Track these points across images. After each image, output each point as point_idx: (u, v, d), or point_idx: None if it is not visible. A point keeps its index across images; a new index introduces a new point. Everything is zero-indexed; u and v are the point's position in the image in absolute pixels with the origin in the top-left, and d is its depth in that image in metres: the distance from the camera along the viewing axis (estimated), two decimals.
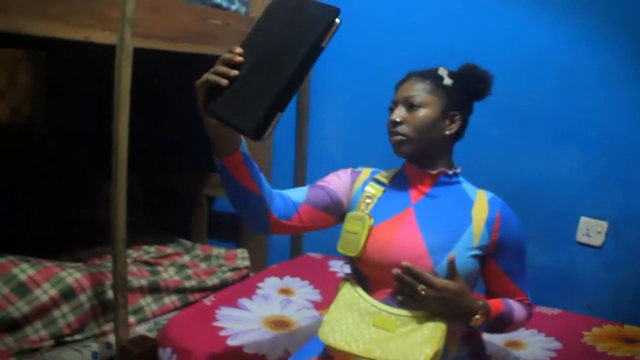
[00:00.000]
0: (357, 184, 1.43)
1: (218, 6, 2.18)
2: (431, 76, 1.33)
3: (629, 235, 1.96)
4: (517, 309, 1.33)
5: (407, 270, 1.20)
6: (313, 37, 0.94)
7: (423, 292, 1.19)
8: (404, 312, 1.23)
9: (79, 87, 2.78)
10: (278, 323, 1.85)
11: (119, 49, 1.56)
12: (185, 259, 2.57)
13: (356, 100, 2.45)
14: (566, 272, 2.06)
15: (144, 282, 2.17)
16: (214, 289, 2.37)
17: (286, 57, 0.95)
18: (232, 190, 1.21)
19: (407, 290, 1.21)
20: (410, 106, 1.29)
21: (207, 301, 1.95)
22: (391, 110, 1.35)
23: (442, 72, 1.34)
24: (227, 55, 1.01)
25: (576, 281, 2.04)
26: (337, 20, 0.95)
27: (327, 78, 2.50)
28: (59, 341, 1.91)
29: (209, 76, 1.02)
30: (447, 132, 1.32)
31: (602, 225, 1.99)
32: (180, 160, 2.99)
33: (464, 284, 1.21)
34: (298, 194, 1.36)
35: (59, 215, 2.83)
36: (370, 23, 2.39)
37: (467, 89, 1.34)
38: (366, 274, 1.32)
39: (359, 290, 1.30)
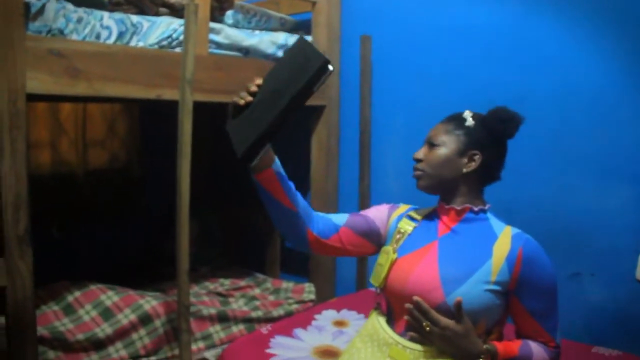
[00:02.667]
0: (392, 218, 1.50)
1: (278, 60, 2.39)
2: (456, 118, 1.40)
3: None
4: (537, 353, 1.30)
5: (417, 305, 1.26)
6: (304, 80, 1.10)
7: (428, 328, 1.24)
8: (418, 347, 1.28)
9: (169, 136, 3.13)
10: (327, 352, 1.95)
11: (180, 105, 1.80)
12: (256, 291, 2.76)
13: (412, 139, 2.54)
14: (626, 311, 1.97)
15: (213, 311, 2.37)
16: (279, 319, 2.52)
17: (281, 95, 1.12)
18: (268, 205, 1.34)
19: (415, 324, 1.27)
20: (431, 145, 1.38)
21: (264, 330, 2.10)
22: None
23: (467, 114, 1.39)
24: (248, 84, 1.23)
25: (636, 321, 1.94)
26: (330, 68, 1.10)
27: (388, 118, 2.64)
28: None
29: (233, 98, 1.24)
30: (465, 170, 1.37)
31: None
32: (256, 199, 3.21)
33: (469, 326, 1.24)
34: (339, 217, 1.46)
35: (150, 251, 3.15)
36: (427, 64, 2.49)
37: (489, 128, 1.38)
38: (390, 304, 1.39)
39: (381, 321, 1.37)
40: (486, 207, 1.40)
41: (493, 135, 1.39)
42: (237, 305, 2.54)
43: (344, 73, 2.67)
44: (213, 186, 3.16)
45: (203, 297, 2.53)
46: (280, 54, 2.38)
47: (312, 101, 2.51)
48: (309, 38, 2.57)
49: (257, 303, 2.57)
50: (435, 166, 1.36)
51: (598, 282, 2.03)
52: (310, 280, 2.83)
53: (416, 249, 1.39)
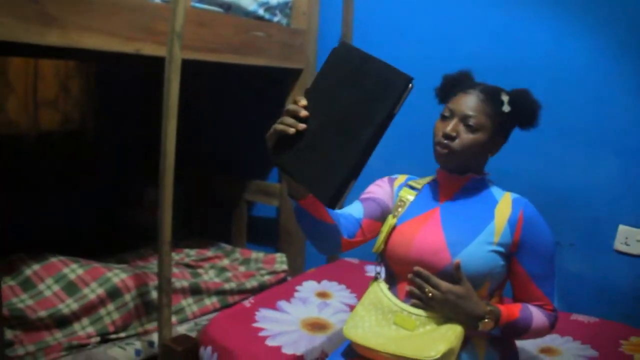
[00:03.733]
0: (395, 188, 1.50)
1: (260, 18, 2.24)
2: (494, 99, 1.33)
3: None
4: (537, 316, 1.32)
5: (417, 273, 1.27)
6: (389, 107, 0.94)
7: (430, 294, 1.24)
8: (424, 313, 1.27)
9: (127, 96, 2.91)
10: (315, 325, 1.89)
11: (168, 61, 1.64)
12: (225, 262, 2.65)
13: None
14: (604, 280, 2.04)
15: (185, 283, 2.25)
16: (253, 291, 2.44)
17: (361, 124, 0.95)
18: (309, 226, 1.27)
19: (417, 293, 1.27)
20: (467, 125, 1.30)
21: (247, 303, 2.01)
22: (444, 118, 1.35)
23: (505, 97, 1.33)
24: (293, 107, 1.05)
25: (614, 290, 2.02)
26: (410, 86, 0.94)
27: None
28: (104, 338, 2.00)
29: (277, 126, 1.05)
30: (490, 155, 1.38)
31: None
32: (220, 166, 3.07)
33: (470, 288, 1.24)
34: (356, 210, 1.41)
35: (106, 218, 2.95)
36: (412, 28, 2.42)
37: (520, 118, 1.35)
38: (393, 270, 1.39)
39: (384, 289, 1.37)
40: (487, 175, 1.41)
41: (518, 123, 1.37)
42: (209, 276, 2.43)
43: (323, 35, 2.55)
44: (175, 151, 2.97)
45: (173, 269, 2.39)
46: (261, 12, 2.23)
47: (287, 64, 2.43)
48: None
49: (229, 274, 2.47)
50: (469, 149, 1.31)
51: (577, 252, 2.08)
52: (279, 251, 2.76)
53: (418, 214, 1.39)
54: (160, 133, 1.68)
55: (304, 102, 1.05)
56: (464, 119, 1.31)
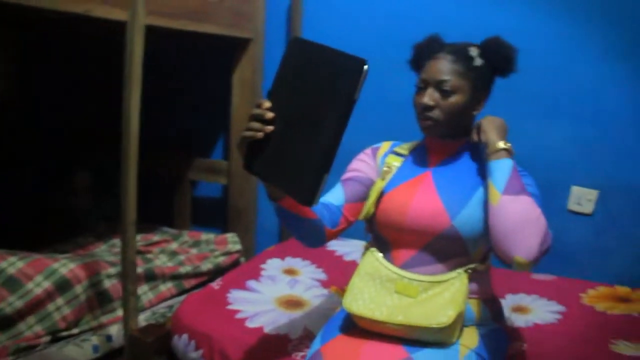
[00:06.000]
0: (378, 158, 1.45)
1: None
2: (462, 57, 1.30)
3: (617, 203, 2.06)
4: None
5: None
6: (347, 95, 0.91)
7: None
8: (425, 278, 1.25)
9: (56, 70, 2.62)
10: (291, 302, 1.83)
11: (130, 23, 1.48)
12: (174, 245, 2.50)
13: None
14: (559, 239, 2.13)
15: (140, 269, 2.09)
16: (209, 274, 2.33)
17: (323, 117, 0.93)
18: (293, 225, 1.24)
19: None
20: (443, 91, 1.28)
21: (215, 285, 1.90)
22: (419, 89, 1.32)
23: (473, 51, 1.31)
24: (257, 111, 1.02)
25: (568, 248, 2.13)
26: (365, 68, 0.91)
27: None
28: (56, 336, 1.82)
29: (244, 133, 1.03)
30: (475, 112, 1.35)
31: (592, 194, 2.09)
32: (161, 143, 2.88)
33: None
34: (337, 197, 1.36)
35: (35, 205, 2.67)
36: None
37: (495, 67, 1.33)
38: (387, 237, 1.34)
39: (380, 258, 1.32)
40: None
41: (497, 73, 1.36)
42: (161, 261, 2.27)
43: (270, 3, 2.44)
44: (109, 128, 2.73)
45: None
46: None
47: (237, 32, 2.30)
48: None
49: (182, 258, 2.32)
50: (451, 115, 1.30)
51: None
52: (226, 231, 2.64)
53: (408, 179, 1.36)
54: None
55: (267, 104, 1.02)
56: (437, 85, 1.28)
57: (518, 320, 1.74)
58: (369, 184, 1.39)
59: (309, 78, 0.97)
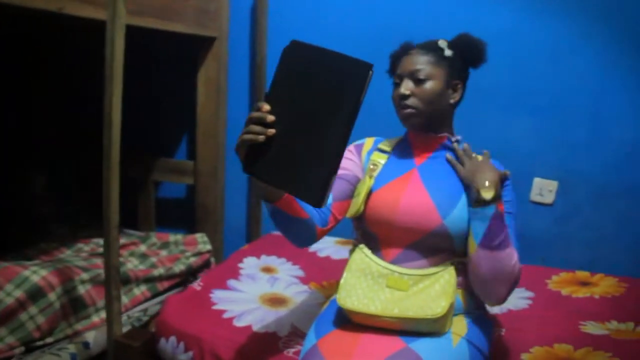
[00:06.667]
0: (364, 156, 1.49)
1: None
2: (433, 49, 1.38)
3: (576, 193, 2.19)
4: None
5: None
6: (355, 99, 0.93)
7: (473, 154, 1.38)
8: (415, 272, 1.31)
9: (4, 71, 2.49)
10: (274, 300, 1.83)
11: (109, 20, 1.44)
12: (143, 248, 2.44)
13: None
14: (521, 229, 2.25)
15: None
16: (181, 275, 2.30)
17: (331, 121, 0.94)
18: (286, 225, 1.26)
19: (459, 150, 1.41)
20: (417, 80, 1.35)
21: (197, 286, 1.88)
22: (396, 85, 1.39)
23: (442, 44, 1.40)
24: (257, 114, 1.00)
25: (531, 237, 2.23)
26: (371, 73, 0.93)
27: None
28: (29, 347, 1.75)
29: (244, 137, 1.01)
30: (452, 101, 1.41)
31: (553, 185, 2.21)
32: (124, 144, 2.80)
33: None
34: None
35: None
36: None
37: (466, 57, 1.42)
38: (375, 234, 1.38)
39: (369, 254, 1.36)
40: (460, 138, 1.47)
41: (468, 63, 1.44)
42: (133, 265, 2.22)
43: (234, 2, 2.42)
44: (65, 130, 2.63)
45: (93, 259, 2.15)
46: None
47: (202, 31, 2.28)
48: None
49: (154, 260, 2.28)
50: (427, 101, 1.36)
51: None
52: (192, 232, 2.61)
53: (396, 177, 1.41)
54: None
55: (267, 107, 1.01)
56: (411, 75, 1.36)
57: (494, 308, 1.82)
58: (355, 182, 1.43)
59: (312, 81, 0.97)
